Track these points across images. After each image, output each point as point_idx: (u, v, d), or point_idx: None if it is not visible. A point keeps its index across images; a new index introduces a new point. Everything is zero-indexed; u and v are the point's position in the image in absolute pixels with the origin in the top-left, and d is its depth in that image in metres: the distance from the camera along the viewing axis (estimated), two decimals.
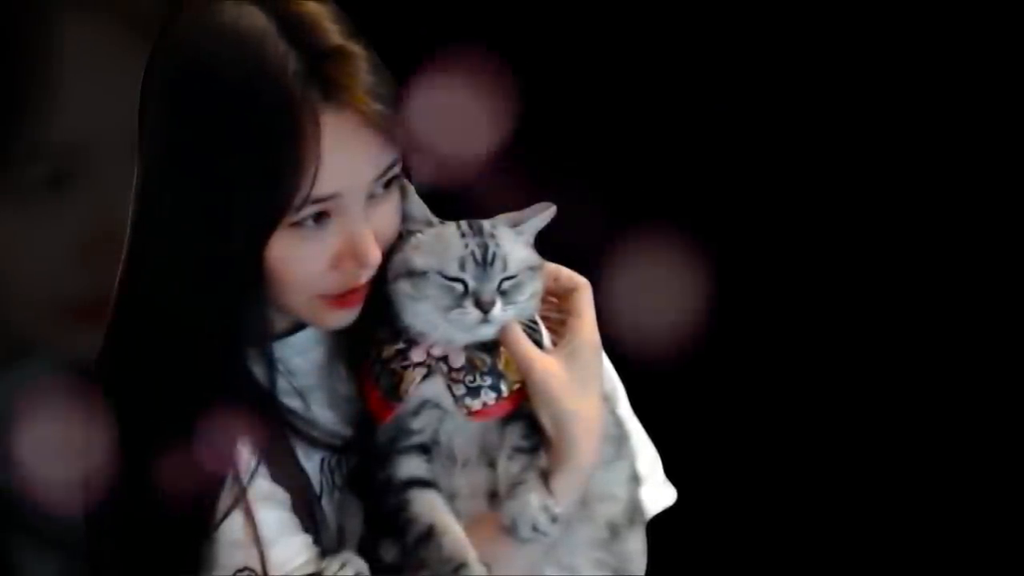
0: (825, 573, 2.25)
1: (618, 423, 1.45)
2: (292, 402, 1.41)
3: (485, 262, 1.35)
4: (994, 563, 2.23)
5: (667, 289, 1.86)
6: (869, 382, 2.26)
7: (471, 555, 1.32)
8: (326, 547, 1.37)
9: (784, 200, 2.23)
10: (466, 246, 1.35)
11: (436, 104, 1.48)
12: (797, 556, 2.24)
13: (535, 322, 1.40)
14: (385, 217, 1.36)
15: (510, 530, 1.32)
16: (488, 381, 1.36)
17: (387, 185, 1.36)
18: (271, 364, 1.39)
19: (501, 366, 1.37)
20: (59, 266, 2.02)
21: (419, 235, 1.37)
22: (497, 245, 1.35)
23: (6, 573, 2.04)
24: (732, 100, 2.21)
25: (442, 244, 1.36)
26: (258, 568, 1.33)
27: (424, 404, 1.37)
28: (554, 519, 1.32)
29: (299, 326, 1.43)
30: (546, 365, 1.36)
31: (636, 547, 1.42)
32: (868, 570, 2.25)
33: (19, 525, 2.02)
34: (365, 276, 1.36)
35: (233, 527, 1.35)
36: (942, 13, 2.15)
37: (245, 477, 1.35)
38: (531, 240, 1.40)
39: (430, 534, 1.33)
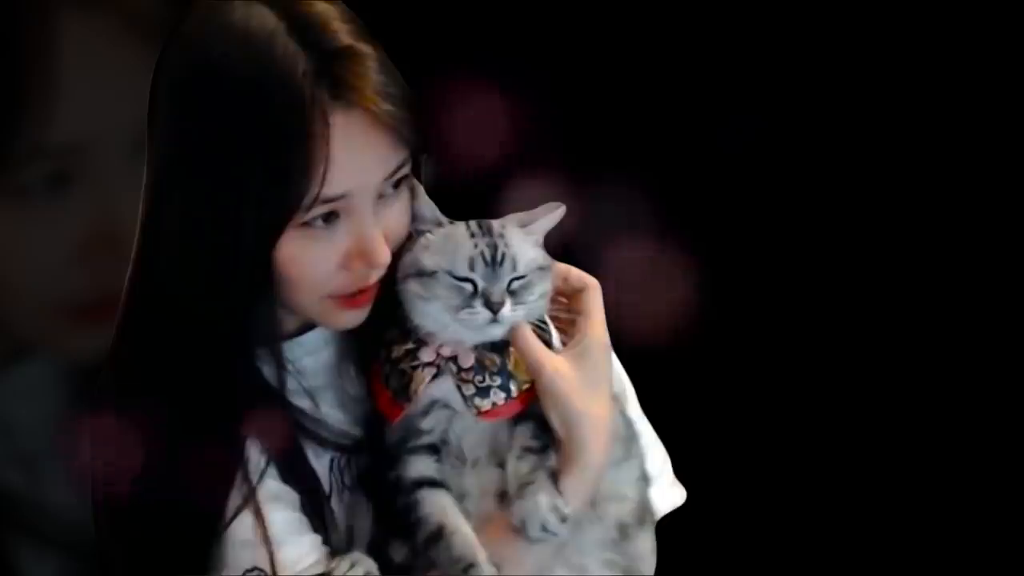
0: (833, 573, 2.25)
1: (628, 423, 1.44)
2: (302, 402, 1.40)
3: (494, 262, 1.34)
4: (996, 563, 2.24)
5: (678, 288, 1.86)
6: (883, 384, 2.26)
7: (481, 555, 1.31)
8: (335, 547, 1.37)
9: (799, 200, 2.24)
10: (476, 246, 1.35)
11: (445, 104, 1.47)
12: (806, 556, 2.25)
13: (545, 322, 1.40)
14: (395, 217, 1.36)
15: (520, 530, 1.32)
16: (498, 381, 1.36)
17: (397, 185, 1.35)
18: (281, 364, 1.38)
19: (511, 366, 1.36)
20: (59, 266, 2.02)
21: (429, 235, 1.37)
22: (507, 245, 1.35)
23: (6, 573, 2.03)
24: (730, 101, 2.22)
25: (452, 244, 1.35)
26: (267, 568, 1.33)
27: (434, 404, 1.36)
28: (563, 519, 1.32)
29: (309, 326, 1.43)
30: (556, 365, 1.36)
31: (646, 547, 1.42)
32: (876, 572, 2.26)
33: (19, 525, 2.02)
34: (375, 276, 1.36)
35: (242, 527, 1.34)
36: (935, 13, 2.17)
37: (254, 477, 1.35)
38: (540, 240, 1.39)
39: (440, 534, 1.33)
